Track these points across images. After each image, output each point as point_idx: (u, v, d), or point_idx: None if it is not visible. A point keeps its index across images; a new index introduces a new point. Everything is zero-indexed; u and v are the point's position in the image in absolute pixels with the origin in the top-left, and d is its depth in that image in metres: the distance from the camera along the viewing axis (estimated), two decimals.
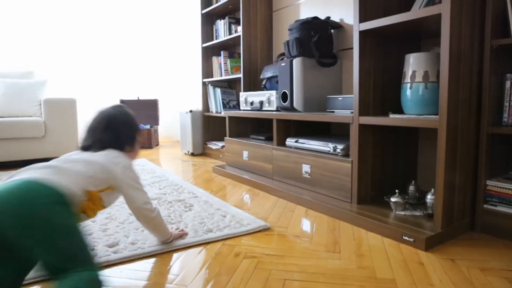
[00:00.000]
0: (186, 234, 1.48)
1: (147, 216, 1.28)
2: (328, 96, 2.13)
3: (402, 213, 1.59)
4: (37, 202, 0.89)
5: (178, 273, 1.18)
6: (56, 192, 0.94)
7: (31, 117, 3.29)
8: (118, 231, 1.51)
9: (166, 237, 1.39)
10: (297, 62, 2.23)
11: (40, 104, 3.36)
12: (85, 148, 1.23)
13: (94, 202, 1.09)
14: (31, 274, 1.13)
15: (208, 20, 3.73)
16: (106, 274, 1.17)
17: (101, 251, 1.31)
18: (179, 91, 5.19)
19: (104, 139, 1.24)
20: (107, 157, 1.20)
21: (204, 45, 3.68)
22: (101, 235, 1.47)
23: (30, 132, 3.11)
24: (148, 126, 4.46)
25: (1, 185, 0.92)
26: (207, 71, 3.77)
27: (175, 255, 1.32)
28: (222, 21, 3.46)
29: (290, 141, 2.22)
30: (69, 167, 1.06)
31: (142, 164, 3.20)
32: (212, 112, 3.69)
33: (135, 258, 1.28)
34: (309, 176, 2.02)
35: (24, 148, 3.11)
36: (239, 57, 3.33)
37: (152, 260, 1.28)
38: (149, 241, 1.41)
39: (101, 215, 1.72)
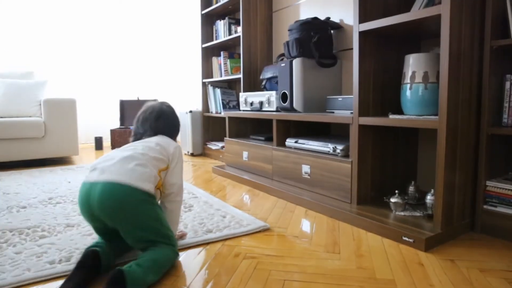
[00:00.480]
0: (186, 234, 1.48)
1: (169, 195, 1.34)
2: (328, 97, 2.14)
3: (402, 213, 1.59)
4: (130, 204, 1.14)
5: (177, 273, 1.18)
6: (140, 192, 1.16)
7: (31, 117, 3.30)
8: None
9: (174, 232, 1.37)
10: (297, 63, 2.23)
11: (40, 105, 3.36)
12: (139, 134, 1.43)
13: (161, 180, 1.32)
14: (32, 275, 1.13)
15: (208, 21, 3.73)
16: (106, 275, 1.17)
17: None
18: (179, 92, 5.19)
19: (157, 126, 1.45)
20: (162, 139, 1.40)
21: (204, 45, 3.69)
22: None
23: (30, 133, 3.11)
24: None
25: (95, 185, 1.15)
26: (207, 71, 3.77)
27: None
28: (222, 21, 3.46)
29: (290, 142, 2.22)
30: (143, 156, 1.25)
31: None
32: (212, 112, 3.69)
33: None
34: (308, 177, 2.02)
35: (24, 148, 3.12)
36: (239, 57, 3.33)
37: None
38: None
39: None
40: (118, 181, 1.14)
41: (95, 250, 1.13)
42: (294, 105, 2.25)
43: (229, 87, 3.71)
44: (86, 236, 1.47)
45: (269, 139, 2.54)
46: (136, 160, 1.22)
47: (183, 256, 1.31)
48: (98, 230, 1.24)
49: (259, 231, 1.55)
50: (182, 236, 1.46)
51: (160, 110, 1.48)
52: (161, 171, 1.30)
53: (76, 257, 1.27)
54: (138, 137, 1.43)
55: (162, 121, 1.46)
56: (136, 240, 1.16)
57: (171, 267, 1.20)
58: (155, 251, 1.14)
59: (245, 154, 2.62)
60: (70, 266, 1.20)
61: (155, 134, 1.43)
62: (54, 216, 1.73)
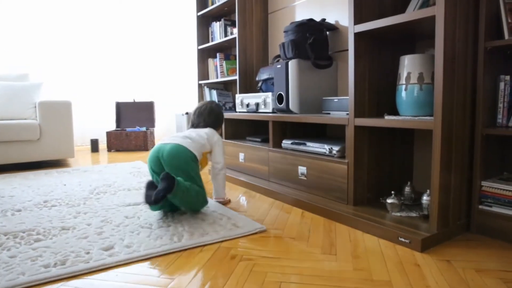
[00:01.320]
0: (230, 201, 2.06)
1: (216, 169, 2.00)
2: (323, 98, 2.14)
3: (398, 214, 1.59)
4: (184, 157, 1.78)
5: (173, 276, 1.18)
6: (192, 153, 1.81)
7: (26, 120, 3.28)
8: (114, 234, 1.51)
9: (221, 195, 2.02)
10: (292, 64, 2.23)
11: (35, 107, 3.34)
12: (195, 124, 2.08)
13: (205, 159, 1.98)
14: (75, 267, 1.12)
15: (204, 22, 3.73)
16: (101, 278, 1.17)
17: (96, 255, 1.31)
18: (175, 93, 5.18)
19: (208, 120, 2.08)
20: (210, 131, 2.01)
21: (200, 47, 3.68)
22: (96, 238, 1.46)
23: (25, 135, 3.09)
24: (144, 128, 4.45)
25: (165, 145, 1.80)
26: (203, 73, 3.76)
27: (171, 258, 1.31)
28: (218, 23, 3.46)
29: (286, 143, 2.22)
30: (196, 139, 1.89)
31: (138, 166, 3.19)
32: None
33: (131, 262, 1.28)
34: (305, 178, 2.02)
35: (19, 151, 3.10)
36: (235, 59, 3.33)
37: (148, 263, 1.27)
38: (144, 244, 1.40)
39: (97, 218, 1.72)
40: (180, 144, 1.80)
41: (153, 181, 1.73)
42: (290, 107, 2.25)
43: (225, 89, 3.71)
44: (81, 239, 1.46)
45: (265, 141, 2.54)
46: (190, 139, 1.88)
47: (179, 259, 1.31)
48: (155, 174, 1.82)
49: (256, 233, 1.55)
50: (227, 202, 2.02)
51: (211, 108, 2.10)
52: (205, 153, 1.96)
53: (72, 260, 1.26)
54: (194, 126, 2.08)
55: (212, 116, 2.08)
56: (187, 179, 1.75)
57: (201, 205, 1.79)
58: (192, 185, 1.72)
59: (241, 156, 2.62)
60: (65, 269, 1.19)
61: (205, 125, 2.06)
62: (49, 219, 1.72)
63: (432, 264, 1.24)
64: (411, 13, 1.45)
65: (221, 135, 2.21)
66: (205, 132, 1.98)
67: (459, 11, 1.38)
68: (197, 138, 1.91)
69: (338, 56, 2.38)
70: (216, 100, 3.48)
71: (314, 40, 2.22)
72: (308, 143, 2.05)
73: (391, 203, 1.61)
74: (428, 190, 1.58)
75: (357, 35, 1.68)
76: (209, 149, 1.97)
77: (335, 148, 1.86)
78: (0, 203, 2.03)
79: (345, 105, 1.95)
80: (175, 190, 1.58)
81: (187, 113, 3.68)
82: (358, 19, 1.67)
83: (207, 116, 2.08)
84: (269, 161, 2.32)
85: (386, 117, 1.62)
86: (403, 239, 1.39)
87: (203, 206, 1.80)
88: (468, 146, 1.50)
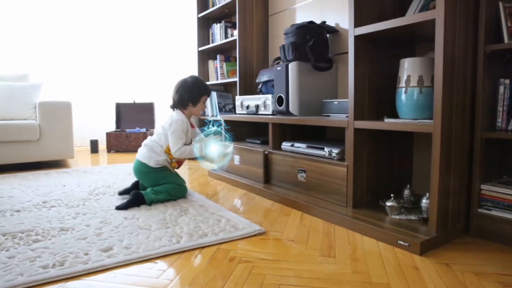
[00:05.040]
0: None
1: (174, 154, 2.04)
2: (323, 100, 2.14)
3: (397, 217, 1.59)
4: (144, 172, 2.05)
5: (172, 278, 1.17)
6: (147, 166, 2.02)
7: (26, 120, 3.28)
8: (113, 235, 1.50)
9: (194, 155, 2.07)
10: (292, 66, 2.23)
11: (35, 107, 3.34)
12: (172, 105, 2.12)
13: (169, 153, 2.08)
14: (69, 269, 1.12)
15: (204, 24, 3.73)
16: (100, 279, 1.16)
17: (94, 256, 1.30)
18: None
19: (174, 99, 2.07)
20: (171, 119, 2.04)
21: (200, 48, 3.69)
22: (95, 239, 1.46)
23: (25, 136, 3.09)
24: (144, 130, 4.45)
25: (136, 159, 2.08)
26: (203, 74, 3.77)
27: (169, 259, 1.31)
28: (218, 25, 3.47)
29: (285, 145, 2.22)
30: (153, 140, 2.07)
31: None
32: (208, 115, 3.69)
33: (130, 263, 1.28)
34: (304, 180, 2.02)
35: (19, 151, 3.10)
36: (235, 61, 3.33)
37: (147, 264, 1.27)
38: (143, 245, 1.40)
39: (96, 219, 1.71)
40: (138, 159, 2.05)
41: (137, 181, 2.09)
42: (290, 109, 2.26)
43: (225, 90, 3.71)
44: (80, 240, 1.46)
45: (265, 143, 2.54)
46: (148, 147, 2.05)
47: (178, 260, 1.30)
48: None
49: (255, 235, 1.54)
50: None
51: (179, 84, 2.04)
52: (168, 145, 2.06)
53: (70, 261, 1.26)
54: (172, 107, 2.11)
55: (179, 91, 2.02)
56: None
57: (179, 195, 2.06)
58: (160, 188, 1.98)
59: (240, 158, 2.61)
60: (64, 270, 1.19)
61: (173, 105, 2.07)
62: (48, 220, 1.72)
63: (431, 267, 1.23)
64: (411, 16, 1.45)
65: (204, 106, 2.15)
66: (163, 126, 2.04)
67: (459, 15, 1.38)
68: (157, 138, 2.05)
69: (338, 59, 2.38)
70: (216, 102, 3.48)
71: (314, 42, 2.22)
72: (308, 146, 2.05)
73: (390, 206, 1.61)
74: (427, 193, 1.58)
75: (357, 38, 1.69)
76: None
77: (335, 151, 1.86)
78: None
79: (345, 108, 1.95)
80: (146, 203, 1.91)
81: None
82: (358, 22, 1.68)
83: (174, 93, 2.04)
84: (268, 163, 2.31)
85: (386, 120, 1.62)
86: (402, 242, 1.38)
87: (180, 194, 2.04)
88: (467, 149, 1.50)
